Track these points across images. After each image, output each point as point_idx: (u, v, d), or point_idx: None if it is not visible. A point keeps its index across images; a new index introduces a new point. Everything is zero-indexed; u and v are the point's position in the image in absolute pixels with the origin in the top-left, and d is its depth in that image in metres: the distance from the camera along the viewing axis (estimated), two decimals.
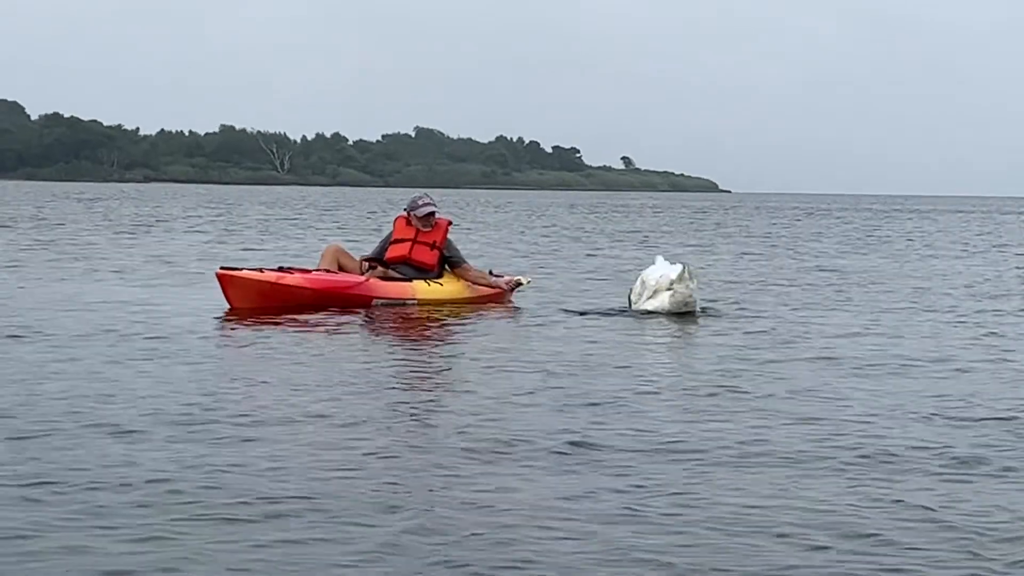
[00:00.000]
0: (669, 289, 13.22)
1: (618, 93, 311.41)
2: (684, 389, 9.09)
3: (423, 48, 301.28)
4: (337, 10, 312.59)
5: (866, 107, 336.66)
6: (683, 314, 13.26)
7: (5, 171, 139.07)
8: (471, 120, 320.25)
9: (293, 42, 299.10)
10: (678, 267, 13.31)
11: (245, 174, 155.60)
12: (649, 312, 13.35)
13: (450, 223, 15.29)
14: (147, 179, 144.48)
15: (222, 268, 13.85)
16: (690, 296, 13.15)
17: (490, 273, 15.55)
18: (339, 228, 36.94)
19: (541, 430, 7.45)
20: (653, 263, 13.96)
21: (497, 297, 15.12)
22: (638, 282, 13.79)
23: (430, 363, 10.38)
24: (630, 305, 13.84)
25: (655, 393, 8.89)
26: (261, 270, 13.99)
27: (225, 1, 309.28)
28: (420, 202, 14.91)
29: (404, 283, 14.43)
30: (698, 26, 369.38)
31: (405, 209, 15.02)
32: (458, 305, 14.50)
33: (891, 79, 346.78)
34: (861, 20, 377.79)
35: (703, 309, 13.79)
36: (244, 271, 13.82)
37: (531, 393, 8.77)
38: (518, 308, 14.68)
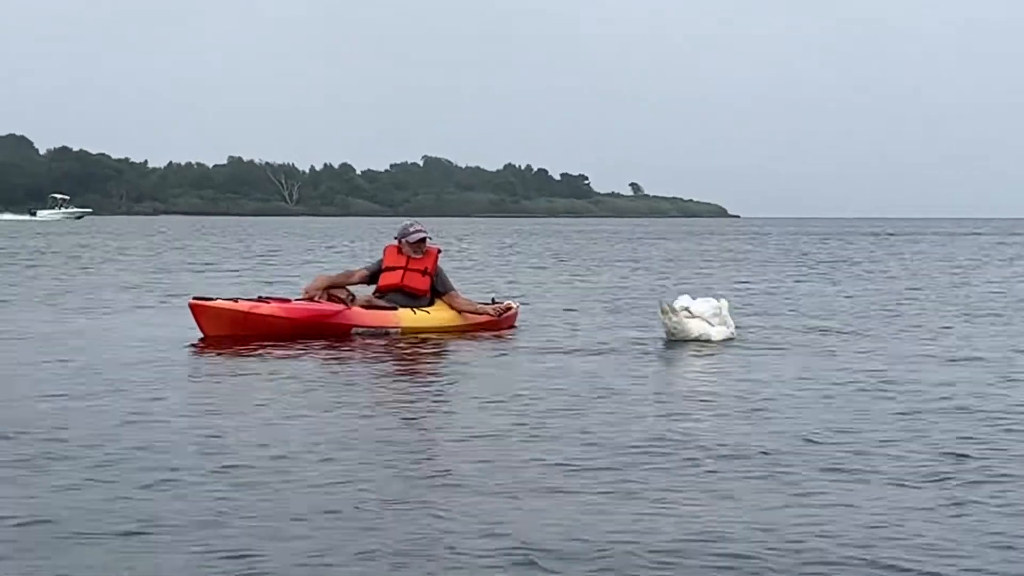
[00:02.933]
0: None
1: (626, 119, 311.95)
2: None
3: (429, 77, 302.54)
4: (342, 40, 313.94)
5: (871, 130, 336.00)
6: (687, 342, 13.38)
7: (14, 205, 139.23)
8: (479, 149, 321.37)
9: (299, 73, 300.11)
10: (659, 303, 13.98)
11: (254, 205, 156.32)
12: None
13: (440, 250, 15.12)
14: (156, 212, 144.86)
15: (194, 298, 13.67)
16: (675, 327, 13.57)
17: (492, 301, 15.37)
18: (350, 258, 36.55)
19: (516, 459, 7.21)
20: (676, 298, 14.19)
21: (491, 325, 14.71)
22: None
23: (392, 393, 9.98)
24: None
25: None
26: (236, 300, 13.77)
27: (226, 34, 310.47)
28: (411, 228, 14.86)
29: (388, 311, 14.12)
30: (705, 47, 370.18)
31: (396, 237, 14.88)
32: (445, 334, 14.12)
33: (896, 100, 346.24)
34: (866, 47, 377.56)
35: (716, 338, 13.58)
36: (217, 301, 13.61)
37: (504, 425, 8.44)
38: (507, 337, 14.25)
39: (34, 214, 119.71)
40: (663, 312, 13.60)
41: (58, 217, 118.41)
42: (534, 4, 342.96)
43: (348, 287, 14.40)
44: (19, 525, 5.75)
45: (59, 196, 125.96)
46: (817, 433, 8.17)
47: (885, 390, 10.13)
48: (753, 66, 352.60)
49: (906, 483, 6.76)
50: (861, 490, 6.59)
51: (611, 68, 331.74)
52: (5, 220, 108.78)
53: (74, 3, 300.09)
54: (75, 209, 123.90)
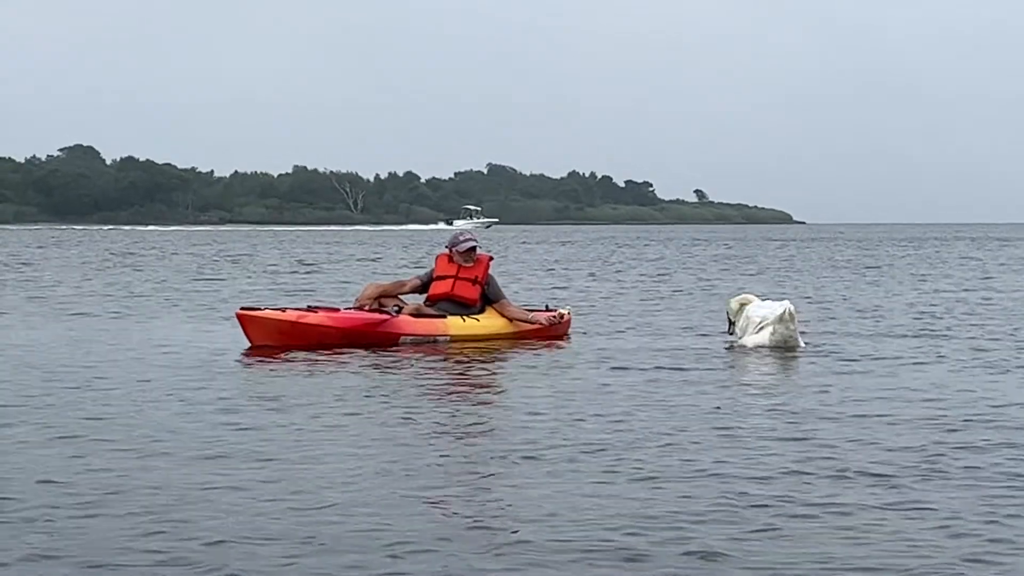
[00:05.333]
0: (771, 328, 13.37)
1: (689, 125, 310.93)
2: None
3: (494, 85, 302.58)
4: (406, 49, 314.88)
5: (939, 129, 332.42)
6: (781, 350, 13.16)
7: (81, 215, 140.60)
8: (543, 156, 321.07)
9: (364, 82, 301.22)
10: (780, 308, 13.51)
11: (319, 214, 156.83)
12: (751, 347, 13.35)
13: (491, 258, 15.07)
14: (222, 221, 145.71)
15: (242, 308, 13.73)
16: (790, 336, 13.29)
17: (546, 308, 15.33)
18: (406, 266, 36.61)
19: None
20: (752, 300, 14.03)
21: (542, 333, 14.57)
22: (742, 317, 13.80)
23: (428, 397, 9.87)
24: (730, 329, 13.85)
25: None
26: (284, 309, 13.83)
27: (292, 42, 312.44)
28: (461, 238, 14.90)
29: (436, 320, 14.09)
30: (765, 54, 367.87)
31: (446, 246, 14.89)
32: (495, 341, 14.01)
33: (973, 98, 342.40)
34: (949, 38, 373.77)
35: (804, 344, 13.49)
36: (264, 311, 13.68)
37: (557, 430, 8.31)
38: (559, 346, 14.09)
39: (451, 223, 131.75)
40: (781, 320, 13.19)
41: (471, 226, 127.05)
42: (596, 15, 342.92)
43: (400, 296, 14.36)
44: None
45: (472, 207, 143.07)
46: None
47: None
48: (815, 73, 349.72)
49: None
50: None
51: (675, 76, 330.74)
52: (424, 230, 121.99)
53: (139, 13, 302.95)
54: (486, 219, 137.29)
